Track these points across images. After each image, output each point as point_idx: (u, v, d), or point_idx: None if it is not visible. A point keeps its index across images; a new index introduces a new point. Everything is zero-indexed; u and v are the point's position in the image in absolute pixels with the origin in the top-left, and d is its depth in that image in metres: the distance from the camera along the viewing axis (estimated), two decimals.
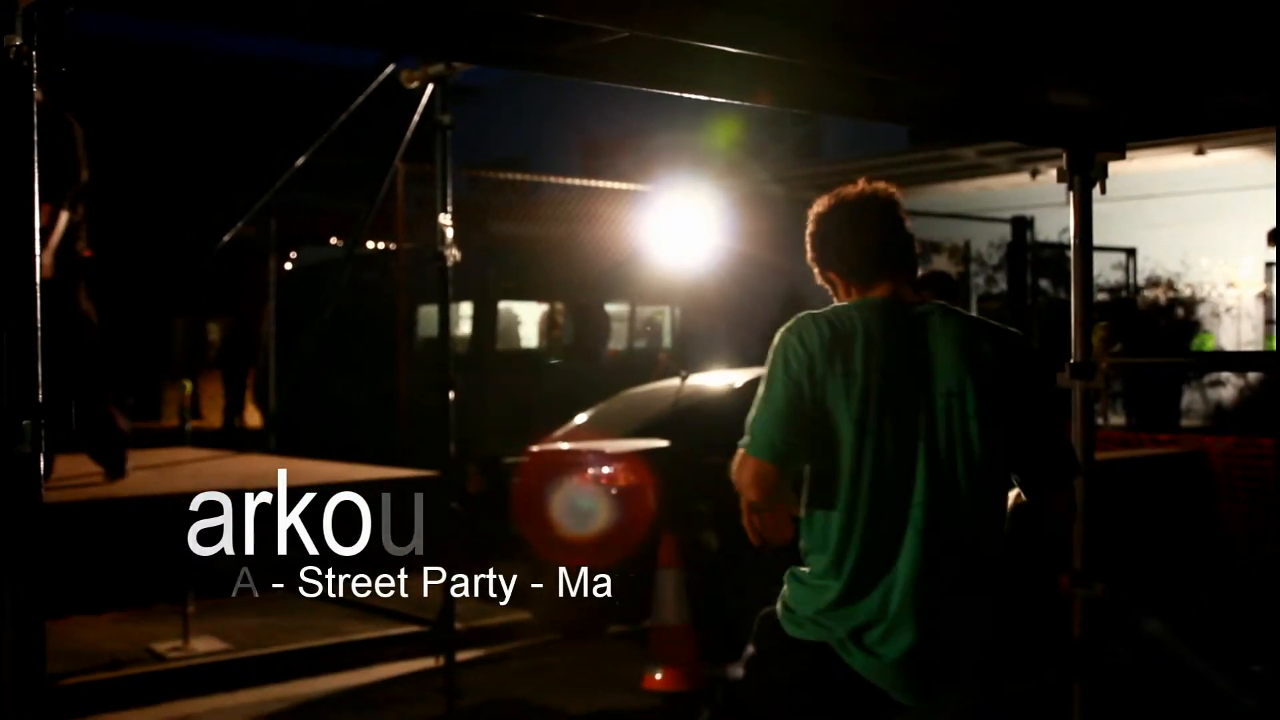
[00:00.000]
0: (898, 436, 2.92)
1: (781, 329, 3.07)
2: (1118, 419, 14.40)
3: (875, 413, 2.93)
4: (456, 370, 6.58)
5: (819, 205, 3.18)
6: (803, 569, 3.02)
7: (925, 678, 2.88)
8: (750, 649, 3.16)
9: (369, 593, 8.49)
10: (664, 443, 7.68)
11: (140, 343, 15.86)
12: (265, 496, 6.18)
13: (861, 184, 3.18)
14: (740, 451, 3.07)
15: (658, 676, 6.58)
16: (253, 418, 15.71)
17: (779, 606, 3.05)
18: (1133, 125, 3.69)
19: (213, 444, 10.17)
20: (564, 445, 8.07)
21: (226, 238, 5.77)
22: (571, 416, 8.91)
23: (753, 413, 3.09)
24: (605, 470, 7.42)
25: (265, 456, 8.56)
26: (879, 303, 3.07)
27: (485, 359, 13.33)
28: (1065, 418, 4.46)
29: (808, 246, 3.19)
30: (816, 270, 3.21)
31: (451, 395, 5.85)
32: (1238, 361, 9.38)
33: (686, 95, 2.93)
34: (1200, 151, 15.57)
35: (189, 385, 8.50)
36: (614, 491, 7.39)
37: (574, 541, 7.42)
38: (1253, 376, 14.87)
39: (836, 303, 3.13)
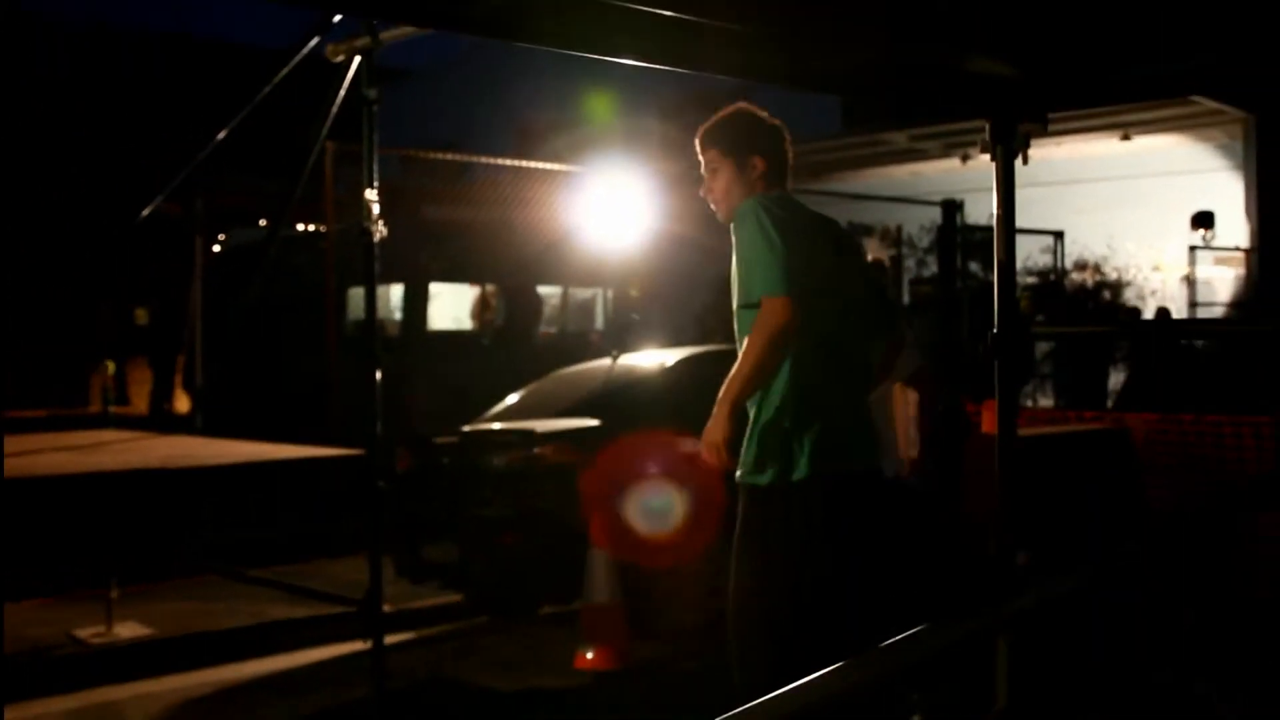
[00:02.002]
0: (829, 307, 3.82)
1: (760, 204, 3.79)
2: (1047, 401, 14.58)
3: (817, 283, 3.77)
4: (388, 352, 6.52)
5: (750, 107, 4.05)
6: None
7: None
8: None
9: (297, 575, 8.45)
10: (595, 422, 7.66)
11: (65, 327, 15.60)
12: (189, 477, 6.12)
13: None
14: (776, 298, 3.65)
15: (589, 656, 6.57)
16: (182, 403, 15.50)
17: None
18: (1054, 95, 3.71)
19: (139, 428, 10.04)
20: (496, 425, 8.03)
21: (145, 212, 5.65)
22: (504, 397, 8.86)
23: (769, 259, 3.69)
24: (535, 450, 7.39)
25: (190, 437, 8.45)
26: (793, 199, 3.99)
27: (417, 341, 13.23)
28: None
29: (739, 127, 4.00)
30: (738, 151, 3.96)
31: (379, 375, 5.78)
32: (1155, 331, 9.48)
33: (598, 58, 2.89)
34: (1126, 137, 15.79)
35: (111, 366, 8.36)
36: (545, 469, 7.37)
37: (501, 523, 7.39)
38: None
39: (729, 183, 3.95)
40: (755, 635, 3.78)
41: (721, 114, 4.09)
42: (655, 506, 6.91)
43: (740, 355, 3.75)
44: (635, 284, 14.63)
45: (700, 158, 4.09)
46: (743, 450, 3.82)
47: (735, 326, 3.94)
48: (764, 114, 4.10)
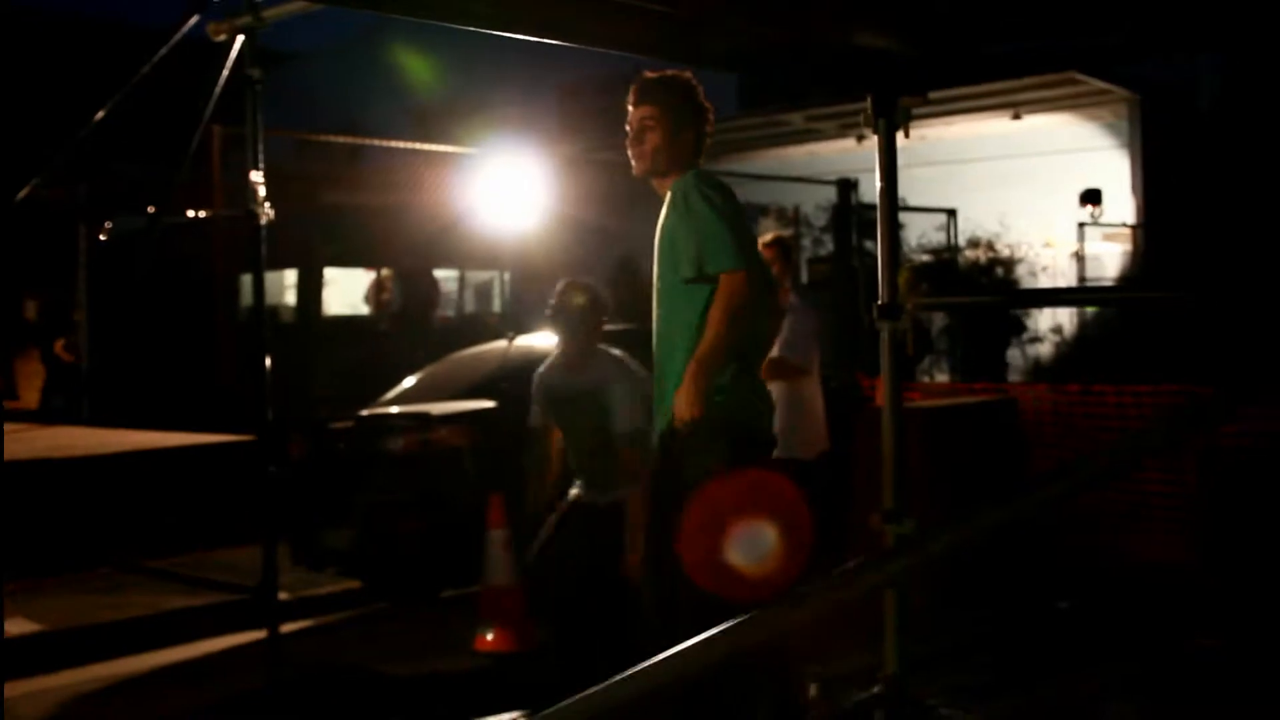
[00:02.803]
0: None
1: (702, 180, 3.93)
2: (944, 377, 14.80)
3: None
4: (283, 337, 6.43)
5: (694, 80, 4.09)
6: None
7: None
8: None
9: (195, 565, 8.31)
10: (491, 404, 7.64)
11: None
12: (72, 466, 5.97)
13: None
14: (737, 273, 3.79)
15: (489, 637, 6.55)
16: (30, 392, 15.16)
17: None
18: (935, 70, 3.77)
19: (28, 422, 9.79)
20: (393, 409, 7.97)
21: (20, 195, 5.49)
22: (400, 381, 8.79)
23: (726, 236, 3.82)
24: (431, 433, 7.35)
25: (77, 428, 8.26)
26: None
27: (312, 326, 13.07)
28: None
29: (683, 94, 4.05)
30: (676, 116, 4.03)
31: (268, 361, 5.69)
32: (1031, 298, 9.60)
33: (489, 33, 2.88)
34: (1016, 116, 16.04)
35: None
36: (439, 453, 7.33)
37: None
38: (1067, 332, 15.44)
39: (659, 144, 4.01)
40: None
41: (669, 74, 4.12)
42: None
43: (708, 329, 3.83)
44: (531, 267, 14.59)
45: (632, 108, 4.10)
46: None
47: (659, 299, 3.98)
48: (701, 91, 4.16)
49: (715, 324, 3.81)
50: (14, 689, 6.47)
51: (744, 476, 3.87)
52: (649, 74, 4.12)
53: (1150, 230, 15.58)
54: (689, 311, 3.92)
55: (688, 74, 4.14)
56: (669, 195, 4.00)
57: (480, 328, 13.78)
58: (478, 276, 15.61)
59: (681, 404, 3.81)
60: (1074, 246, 15.93)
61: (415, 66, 19.24)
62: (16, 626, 7.24)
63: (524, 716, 5.11)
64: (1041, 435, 7.31)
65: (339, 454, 7.71)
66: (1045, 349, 15.56)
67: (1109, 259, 16.20)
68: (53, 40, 21.56)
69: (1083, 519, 6.95)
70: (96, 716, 6.12)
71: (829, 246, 15.67)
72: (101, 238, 13.35)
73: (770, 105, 16.16)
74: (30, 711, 6.14)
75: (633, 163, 4.12)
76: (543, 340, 8.93)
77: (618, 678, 1.86)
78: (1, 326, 16.10)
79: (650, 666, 1.86)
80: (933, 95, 3.89)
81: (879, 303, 3.99)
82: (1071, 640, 6.14)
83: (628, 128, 4.11)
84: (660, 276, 4.01)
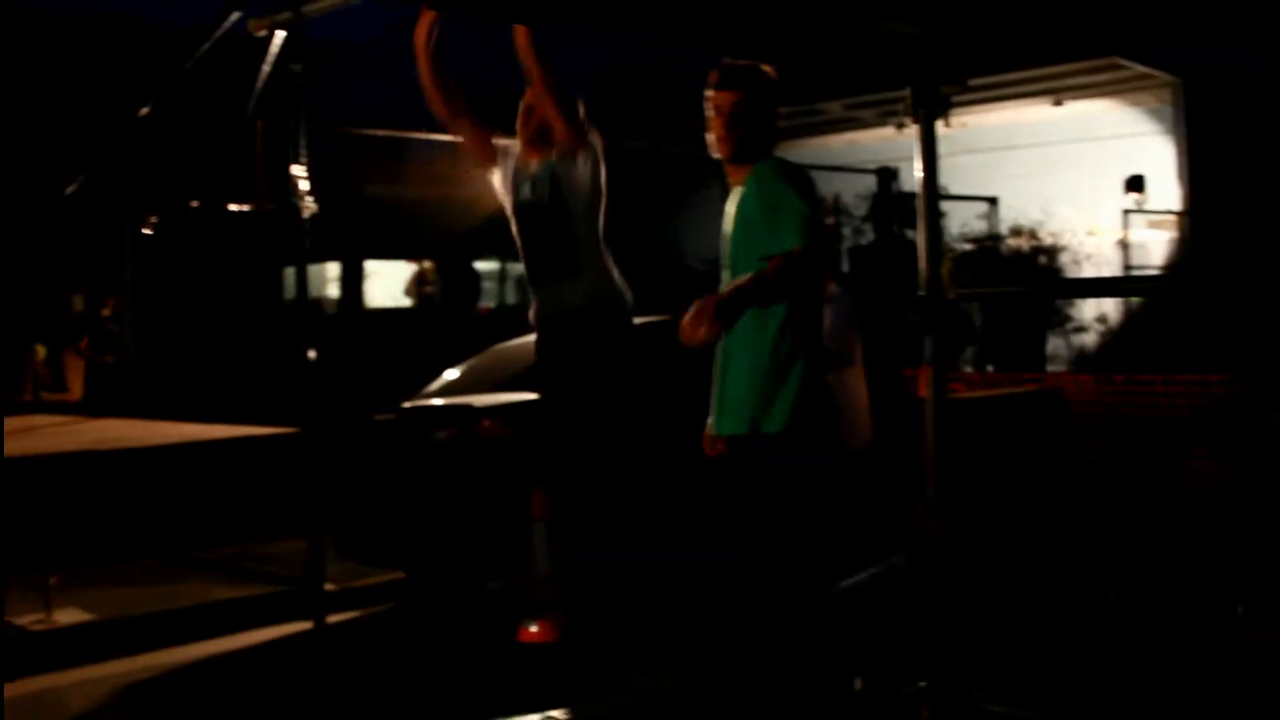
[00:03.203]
0: None
1: (788, 165, 4.05)
2: (987, 367, 14.71)
3: None
4: (326, 329, 6.48)
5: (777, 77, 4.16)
6: None
7: None
8: None
9: (242, 556, 8.40)
10: (533, 396, 7.64)
11: None
12: (123, 458, 6.04)
13: None
14: (815, 251, 3.81)
15: (532, 629, 6.57)
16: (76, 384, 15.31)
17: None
18: (973, 58, 3.74)
19: (74, 414, 9.91)
20: (435, 401, 7.99)
21: (68, 191, 5.56)
22: (442, 373, 8.82)
23: (813, 218, 3.86)
24: (473, 425, 7.37)
25: (123, 420, 8.35)
26: None
27: (355, 317, 13.14)
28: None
29: (768, 83, 4.10)
30: (761, 102, 4.09)
31: (312, 353, 5.72)
32: (1080, 288, 9.52)
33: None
34: (1058, 103, 15.91)
35: (41, 350, 8.24)
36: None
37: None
38: (1113, 320, 15.30)
39: (744, 129, 4.07)
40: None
41: (756, 63, 4.16)
42: None
43: (769, 271, 3.81)
44: None
45: (714, 92, 4.15)
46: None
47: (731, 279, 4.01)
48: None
49: (777, 272, 3.81)
50: (65, 678, 6.57)
51: None
52: (731, 61, 4.16)
53: (1196, 216, 15.40)
54: None
55: (770, 67, 4.19)
56: (749, 179, 4.07)
57: (521, 319, 13.77)
58: (518, 268, 15.62)
59: (698, 318, 3.75)
60: (1118, 234, 15.78)
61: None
62: (68, 616, 7.35)
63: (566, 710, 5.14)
64: (1087, 426, 7.25)
65: (382, 446, 7.74)
66: (1089, 338, 15.44)
67: (1155, 246, 16.04)
68: (92, 40, 21.74)
69: (1126, 507, 6.89)
70: (145, 706, 6.19)
71: (869, 235, 15.61)
72: (146, 231, 13.51)
73: (809, 94, 16.11)
74: (81, 701, 6.22)
75: (715, 145, 4.17)
76: None
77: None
78: (48, 321, 16.32)
79: None
80: (973, 82, 3.88)
81: (921, 293, 3.97)
82: (1122, 631, 6.08)
83: (709, 111, 4.16)
84: (733, 255, 4.04)
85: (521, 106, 5.48)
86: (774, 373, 3.93)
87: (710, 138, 4.16)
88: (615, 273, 5.39)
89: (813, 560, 3.93)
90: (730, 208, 4.14)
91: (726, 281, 4.03)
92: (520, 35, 5.01)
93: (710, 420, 4.26)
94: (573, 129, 5.29)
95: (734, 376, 4.06)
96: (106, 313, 13.36)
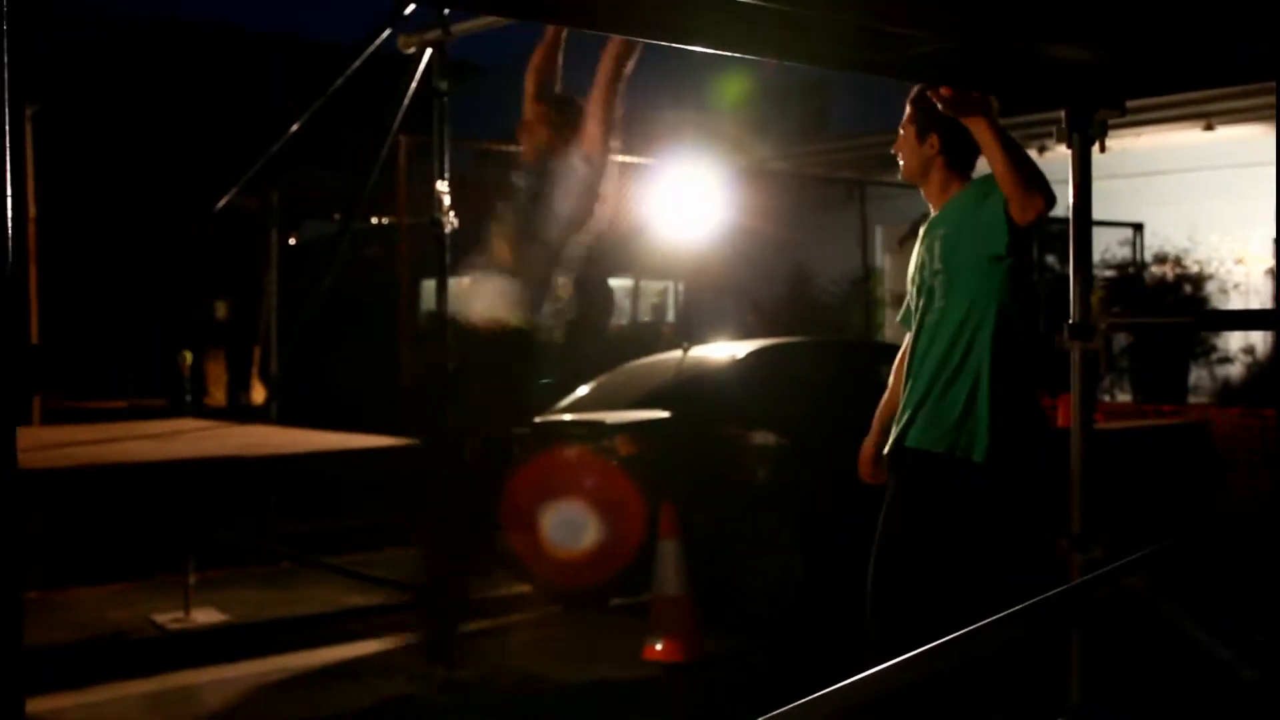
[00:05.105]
0: None
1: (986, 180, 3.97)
2: (1125, 396, 14.35)
3: None
4: (455, 343, 6.54)
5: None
6: None
7: None
8: None
9: (372, 563, 8.53)
10: (665, 414, 7.65)
11: (147, 320, 15.82)
12: (265, 464, 6.19)
13: None
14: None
15: (658, 647, 6.56)
16: (259, 394, 15.68)
17: None
18: (1133, 81, 3.65)
19: (216, 419, 10.16)
20: (566, 417, 8.04)
21: (220, 205, 5.73)
22: (574, 389, 8.87)
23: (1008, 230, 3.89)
24: (605, 441, 7.39)
25: (265, 427, 8.55)
26: None
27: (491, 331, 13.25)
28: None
29: (934, 115, 4.00)
30: (925, 132, 4.13)
31: (450, 366, 5.81)
32: (1237, 320, 9.23)
33: (674, 45, 2.88)
34: (1209, 127, 15.45)
35: (189, 356, 8.48)
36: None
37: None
38: (1260, 351, 14.80)
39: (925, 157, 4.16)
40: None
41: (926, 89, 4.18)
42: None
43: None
44: (706, 277, 14.58)
45: (914, 109, 4.21)
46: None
47: (946, 293, 4.02)
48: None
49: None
50: (200, 676, 6.73)
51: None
52: (922, 89, 4.18)
53: None
54: (986, 292, 3.94)
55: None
56: (960, 195, 4.12)
57: (654, 337, 13.84)
58: (652, 286, 15.68)
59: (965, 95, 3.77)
60: (1269, 263, 15.27)
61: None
62: (206, 616, 7.54)
63: None
64: (1234, 460, 7.00)
65: (514, 460, 7.80)
66: (1234, 369, 14.95)
67: None
68: (246, 57, 22.41)
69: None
70: (273, 708, 6.30)
71: None
72: (291, 242, 13.86)
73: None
74: (215, 700, 6.37)
75: (907, 164, 4.23)
76: (717, 351, 8.93)
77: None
78: (195, 328, 16.80)
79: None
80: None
81: (1070, 321, 3.87)
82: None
83: (902, 131, 4.21)
84: (946, 260, 4.03)
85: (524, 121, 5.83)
86: (988, 397, 3.87)
87: (900, 154, 4.23)
88: None
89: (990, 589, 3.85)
90: (936, 224, 4.14)
91: (942, 287, 4.01)
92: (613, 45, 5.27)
93: (885, 436, 4.15)
94: (597, 139, 5.63)
95: (940, 391, 4.00)
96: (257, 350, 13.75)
